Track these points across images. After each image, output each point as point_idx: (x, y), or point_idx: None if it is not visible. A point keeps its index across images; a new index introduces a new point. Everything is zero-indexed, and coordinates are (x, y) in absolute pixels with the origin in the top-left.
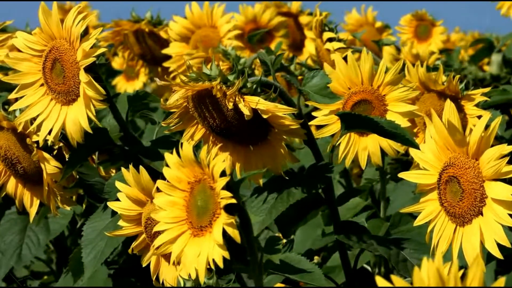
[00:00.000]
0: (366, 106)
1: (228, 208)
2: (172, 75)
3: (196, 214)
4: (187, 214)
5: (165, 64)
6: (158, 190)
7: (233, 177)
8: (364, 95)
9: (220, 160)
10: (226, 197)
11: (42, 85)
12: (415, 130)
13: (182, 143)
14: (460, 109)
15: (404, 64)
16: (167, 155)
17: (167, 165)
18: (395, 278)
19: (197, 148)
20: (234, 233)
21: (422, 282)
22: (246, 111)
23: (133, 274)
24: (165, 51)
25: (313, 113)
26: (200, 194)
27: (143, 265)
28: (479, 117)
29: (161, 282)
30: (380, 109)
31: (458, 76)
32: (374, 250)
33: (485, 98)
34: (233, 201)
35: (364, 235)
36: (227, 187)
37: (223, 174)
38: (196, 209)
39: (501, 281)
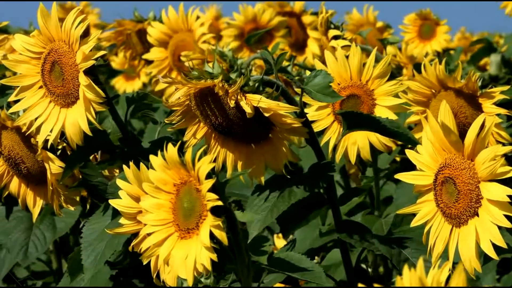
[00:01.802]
0: (355, 100)
1: (215, 210)
2: (154, 80)
3: (182, 216)
4: (173, 216)
5: (147, 70)
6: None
7: (218, 178)
8: (352, 90)
9: (206, 162)
10: (212, 199)
11: (41, 87)
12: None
13: (167, 144)
14: (478, 107)
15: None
16: (152, 157)
17: (152, 167)
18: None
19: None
20: (221, 235)
21: None
22: (247, 109)
23: (136, 274)
24: (145, 56)
25: (305, 110)
26: (186, 196)
27: (144, 263)
28: (498, 115)
29: (161, 280)
30: (368, 103)
31: (477, 73)
32: (376, 249)
33: (505, 96)
34: (220, 203)
35: (365, 234)
36: (213, 189)
37: (209, 176)
38: (182, 211)
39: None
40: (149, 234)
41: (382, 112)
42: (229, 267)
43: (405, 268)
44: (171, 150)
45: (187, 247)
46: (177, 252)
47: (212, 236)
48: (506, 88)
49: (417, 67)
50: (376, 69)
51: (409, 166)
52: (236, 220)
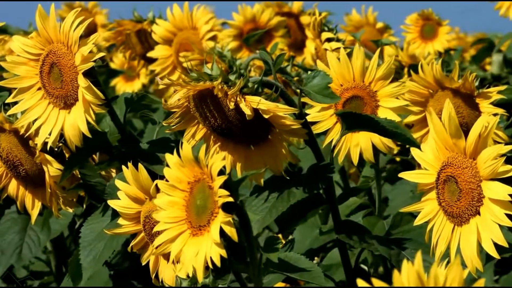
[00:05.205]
0: (357, 102)
1: (226, 207)
2: (158, 77)
3: (195, 213)
4: (186, 214)
5: (151, 67)
6: (158, 190)
7: (231, 176)
8: (355, 91)
9: (218, 159)
10: (223, 196)
11: (39, 89)
12: (425, 129)
13: (182, 143)
14: (475, 107)
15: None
16: (167, 155)
17: (167, 165)
18: (375, 280)
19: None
20: (232, 232)
21: (402, 284)
22: (247, 111)
23: (134, 275)
24: (150, 54)
25: (306, 111)
26: (199, 193)
27: (143, 264)
28: (495, 115)
29: (160, 280)
30: (371, 105)
31: (474, 73)
32: (375, 249)
33: (502, 96)
34: (230, 199)
35: (365, 234)
36: (225, 186)
37: (221, 173)
38: (195, 208)
39: (481, 281)
40: (159, 233)
41: (386, 114)
42: (237, 266)
43: (404, 263)
44: (186, 148)
45: (198, 243)
46: (188, 249)
47: (223, 234)
48: (503, 88)
49: (414, 67)
50: (379, 70)
51: (409, 167)
52: (248, 217)
